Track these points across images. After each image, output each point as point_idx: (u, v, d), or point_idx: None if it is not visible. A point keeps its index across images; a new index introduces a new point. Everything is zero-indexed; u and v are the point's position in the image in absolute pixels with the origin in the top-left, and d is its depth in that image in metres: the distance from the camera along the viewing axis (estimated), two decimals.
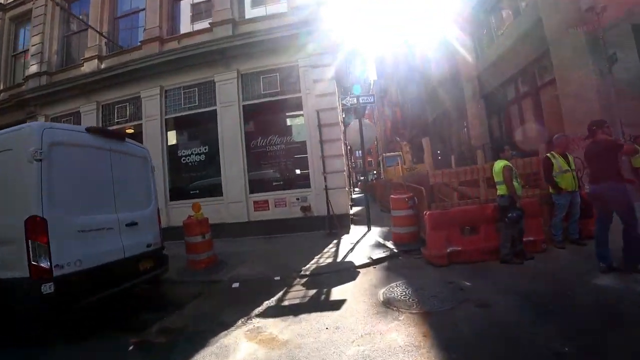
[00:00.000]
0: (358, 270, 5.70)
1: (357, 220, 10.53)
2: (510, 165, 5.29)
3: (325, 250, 7.05)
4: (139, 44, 11.69)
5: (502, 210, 5.21)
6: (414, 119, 26.07)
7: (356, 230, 8.82)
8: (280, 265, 6.28)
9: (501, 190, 5.24)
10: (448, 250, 5.45)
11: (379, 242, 7.17)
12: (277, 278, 5.66)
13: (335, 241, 7.76)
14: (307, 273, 5.70)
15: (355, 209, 14.32)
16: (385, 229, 8.78)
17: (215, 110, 10.32)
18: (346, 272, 5.65)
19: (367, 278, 5.27)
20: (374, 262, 5.93)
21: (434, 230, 5.52)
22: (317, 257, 6.58)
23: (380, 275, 5.37)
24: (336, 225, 8.45)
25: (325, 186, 8.74)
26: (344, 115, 14.47)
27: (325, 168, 8.91)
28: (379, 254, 6.28)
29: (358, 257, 6.22)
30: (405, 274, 5.19)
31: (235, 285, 5.60)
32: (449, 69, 19.57)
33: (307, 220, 9.25)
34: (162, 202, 10.60)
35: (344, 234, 8.36)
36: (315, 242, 7.84)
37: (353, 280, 5.22)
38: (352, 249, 6.85)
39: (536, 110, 13.52)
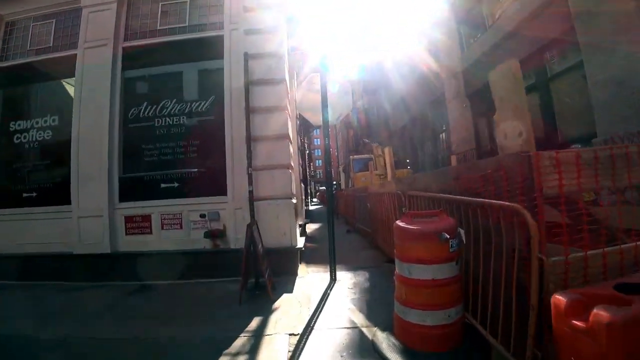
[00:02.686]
0: None
1: (312, 252, 6.08)
2: None
3: None
4: None
5: None
6: (381, 124, 22.39)
7: (308, 282, 4.34)
8: None
9: None
10: None
11: (365, 338, 2.75)
12: None
13: (258, 319, 3.21)
14: None
15: (311, 228, 9.86)
16: (360, 275, 4.42)
17: (76, 55, 5.57)
18: None
19: None
20: None
21: None
22: None
23: None
24: (268, 272, 3.92)
25: (250, 193, 4.24)
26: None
27: (253, 159, 4.43)
28: None
29: None
30: None
31: None
32: (427, 67, 15.98)
33: (217, 257, 4.68)
34: None
35: (282, 294, 3.85)
36: (215, 321, 3.27)
37: None
38: None
39: (545, 107, 10.02)
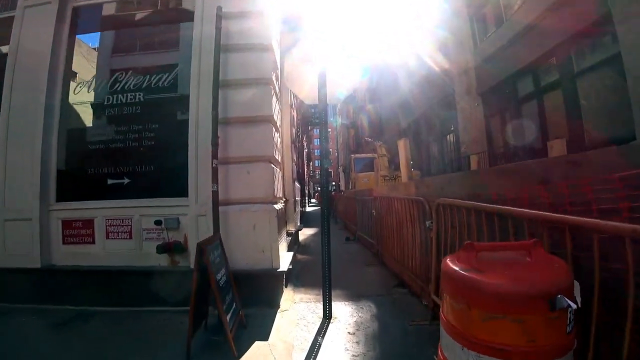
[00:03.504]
0: None
1: (304, 268, 4.87)
2: None
3: None
4: None
5: None
6: (384, 125, 21.16)
7: (292, 319, 3.09)
8: None
9: None
10: None
11: None
12: None
13: None
14: None
15: (305, 234, 8.64)
16: (365, 309, 3.19)
17: (13, 17, 4.38)
18: None
19: None
20: None
21: None
22: None
23: None
24: (233, 310, 2.72)
25: (214, 194, 3.05)
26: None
27: (223, 148, 3.23)
28: None
29: None
30: None
31: None
32: (435, 63, 14.80)
33: (176, 278, 3.48)
34: None
35: (252, 341, 2.63)
36: None
37: None
38: None
39: (571, 106, 8.83)
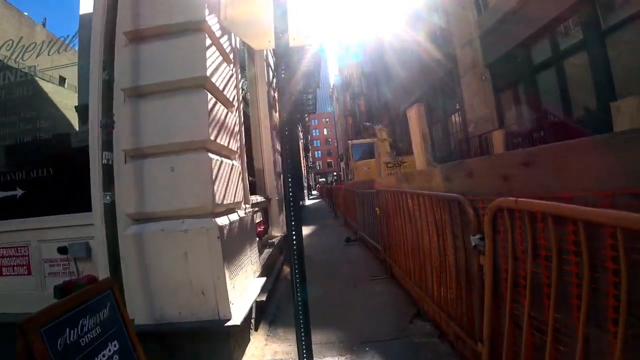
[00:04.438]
0: None
1: (287, 292, 3.68)
2: None
3: None
4: None
5: None
6: (382, 109, 19.77)
7: None
8: None
9: None
10: None
11: None
12: None
13: None
14: None
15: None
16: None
17: None
18: None
19: None
20: None
21: None
22: None
23: None
24: None
25: (108, 207, 1.85)
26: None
27: (133, 133, 2.02)
28: None
29: None
30: None
31: None
32: (435, 37, 13.37)
33: None
34: None
35: None
36: None
37: None
38: None
39: (599, 69, 7.47)
